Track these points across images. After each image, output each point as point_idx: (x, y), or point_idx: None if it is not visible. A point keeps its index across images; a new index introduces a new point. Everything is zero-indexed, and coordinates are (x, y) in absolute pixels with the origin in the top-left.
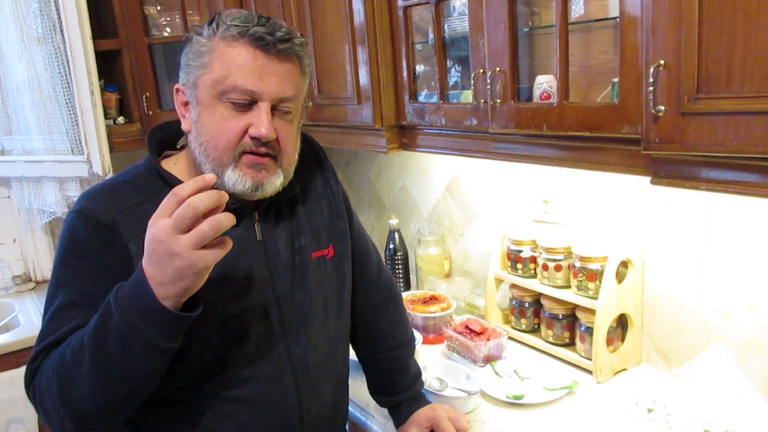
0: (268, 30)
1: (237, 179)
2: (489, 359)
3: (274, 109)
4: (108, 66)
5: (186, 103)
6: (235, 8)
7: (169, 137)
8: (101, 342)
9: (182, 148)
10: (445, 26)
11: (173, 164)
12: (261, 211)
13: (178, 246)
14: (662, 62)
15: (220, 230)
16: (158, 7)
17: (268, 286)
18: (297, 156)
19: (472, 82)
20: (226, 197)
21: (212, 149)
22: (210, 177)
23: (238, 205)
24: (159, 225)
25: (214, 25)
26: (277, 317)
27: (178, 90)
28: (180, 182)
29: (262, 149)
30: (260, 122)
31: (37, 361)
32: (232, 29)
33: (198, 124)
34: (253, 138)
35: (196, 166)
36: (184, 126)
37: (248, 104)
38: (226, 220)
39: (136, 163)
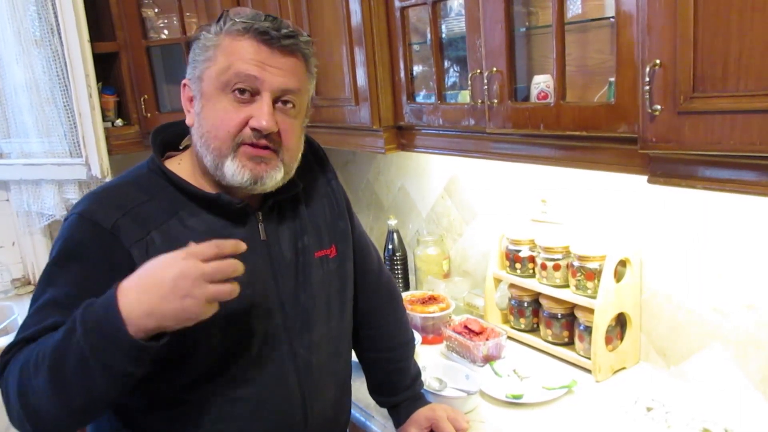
0: (274, 26)
1: (235, 170)
2: (488, 359)
3: (275, 103)
4: (106, 68)
5: (191, 99)
6: (241, 8)
7: (172, 138)
8: (61, 357)
9: (185, 148)
10: (443, 27)
11: (177, 164)
12: (265, 210)
13: (199, 290)
14: (658, 61)
15: (233, 296)
16: (156, 10)
17: (271, 286)
18: (300, 154)
19: (470, 82)
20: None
21: (213, 140)
22: (243, 246)
23: (242, 204)
24: (194, 265)
25: (221, 21)
26: (281, 317)
27: (185, 85)
28: (184, 182)
29: (263, 141)
30: (261, 114)
31: (9, 355)
32: (238, 25)
33: (200, 116)
34: (253, 129)
35: (200, 166)
36: (188, 120)
37: (251, 96)
38: (237, 289)
39: (139, 164)
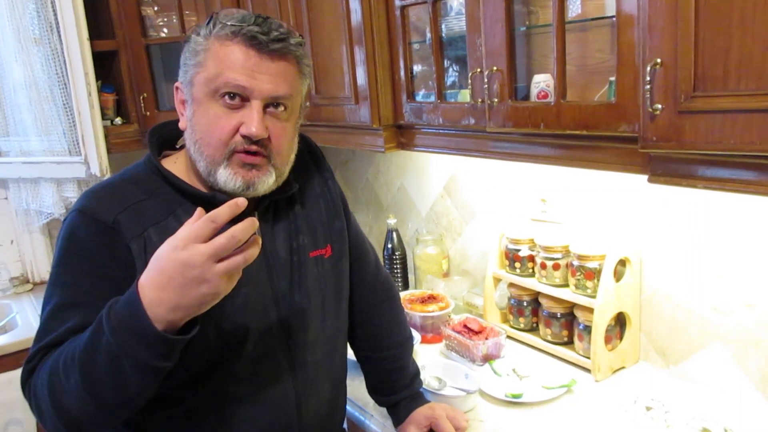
0: (263, 30)
1: (228, 178)
2: (487, 358)
3: (267, 107)
4: (105, 67)
5: (184, 102)
6: (234, 8)
7: (169, 137)
8: (91, 359)
9: (182, 147)
10: (443, 26)
11: (173, 163)
12: (260, 210)
13: (210, 273)
14: (659, 61)
15: (250, 261)
16: (155, 8)
17: (266, 286)
18: (293, 156)
19: (470, 81)
20: (257, 224)
21: (205, 147)
22: (242, 201)
23: None
24: (195, 251)
25: (211, 24)
26: (276, 316)
27: (177, 88)
28: (180, 181)
29: (254, 147)
30: (251, 121)
31: (34, 361)
32: (227, 28)
33: (192, 122)
34: (244, 136)
35: (194, 167)
36: (181, 124)
37: (241, 102)
38: (256, 250)
39: (136, 162)
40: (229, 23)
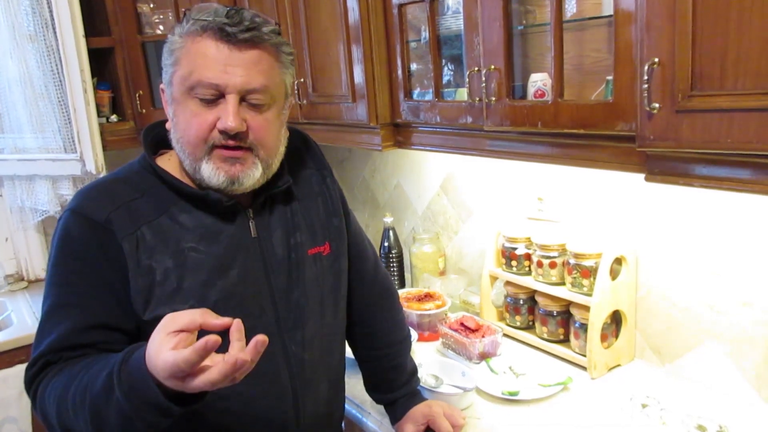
0: (233, 21)
1: (211, 173)
2: (484, 356)
3: (244, 100)
4: (101, 64)
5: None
6: (214, 3)
7: (164, 135)
8: (102, 412)
9: None
10: (440, 24)
11: (167, 161)
12: (256, 207)
13: (178, 383)
14: (656, 60)
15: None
16: (151, 5)
17: (263, 283)
18: (282, 148)
19: (467, 79)
20: (237, 358)
21: (186, 144)
22: (212, 342)
23: (231, 202)
24: (165, 371)
25: (183, 22)
26: (273, 314)
27: (162, 90)
28: (174, 179)
29: (231, 143)
30: (226, 115)
31: (36, 368)
32: (197, 24)
33: (174, 121)
34: (221, 131)
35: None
36: (168, 124)
37: (216, 98)
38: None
39: (131, 162)
40: (199, 18)
